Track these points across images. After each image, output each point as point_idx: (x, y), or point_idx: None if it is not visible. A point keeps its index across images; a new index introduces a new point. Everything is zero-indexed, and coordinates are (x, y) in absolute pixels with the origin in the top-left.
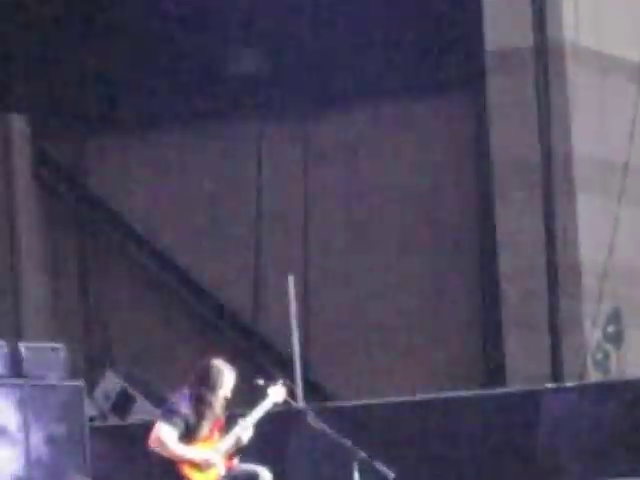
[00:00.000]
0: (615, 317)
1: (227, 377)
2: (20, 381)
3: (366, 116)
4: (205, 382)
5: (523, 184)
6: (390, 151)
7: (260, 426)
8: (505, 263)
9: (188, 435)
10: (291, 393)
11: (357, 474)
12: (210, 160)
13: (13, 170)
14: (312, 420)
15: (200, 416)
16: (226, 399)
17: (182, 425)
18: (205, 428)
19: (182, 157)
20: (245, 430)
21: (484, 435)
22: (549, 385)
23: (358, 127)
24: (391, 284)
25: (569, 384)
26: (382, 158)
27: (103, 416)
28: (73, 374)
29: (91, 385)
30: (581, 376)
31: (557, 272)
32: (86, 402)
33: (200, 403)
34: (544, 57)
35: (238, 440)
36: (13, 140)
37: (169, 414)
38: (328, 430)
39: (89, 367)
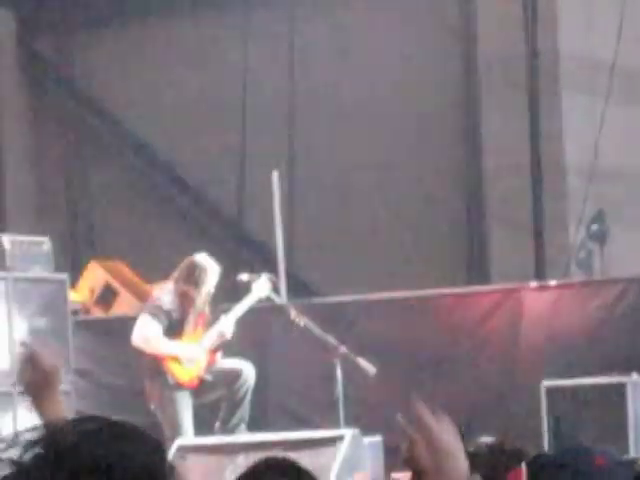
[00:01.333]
0: (599, 217)
1: (211, 273)
2: (3, 274)
3: (357, 5)
4: (189, 278)
5: (508, 83)
6: (377, 43)
7: (243, 321)
8: (489, 162)
9: (171, 330)
10: (275, 288)
11: (339, 370)
12: (196, 52)
13: None
14: (295, 315)
15: (183, 312)
16: (210, 295)
17: (165, 320)
18: (189, 324)
19: (167, 48)
20: (228, 325)
21: (467, 333)
22: (532, 283)
23: (347, 16)
24: (376, 180)
25: (552, 282)
26: (370, 51)
27: (86, 310)
28: (57, 268)
29: (75, 278)
30: (564, 275)
31: (541, 172)
32: (70, 295)
33: (183, 299)
34: None
35: (221, 335)
36: None
37: (153, 309)
38: (311, 325)
39: (73, 260)
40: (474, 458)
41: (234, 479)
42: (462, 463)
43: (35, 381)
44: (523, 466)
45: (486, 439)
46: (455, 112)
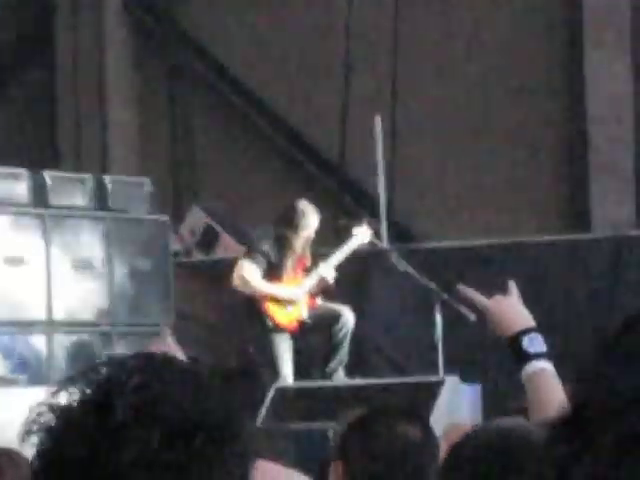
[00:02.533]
0: None
1: (311, 218)
2: (105, 214)
3: None
4: (289, 222)
5: (613, 29)
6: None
7: (344, 266)
8: (593, 109)
9: (270, 273)
10: (376, 234)
11: (439, 315)
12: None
13: (104, 5)
14: (396, 260)
15: (282, 255)
16: (310, 240)
17: (264, 262)
18: (287, 267)
19: None
20: (329, 270)
21: (566, 281)
22: (634, 232)
23: None
24: (476, 123)
25: None
26: (475, 5)
27: (188, 252)
28: (159, 209)
29: (177, 221)
30: None
31: None
32: (171, 237)
33: (283, 242)
34: None
35: (322, 280)
36: None
37: (252, 252)
38: (411, 271)
39: (175, 203)
40: None
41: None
42: (517, 323)
43: None
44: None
45: None
46: (558, 60)
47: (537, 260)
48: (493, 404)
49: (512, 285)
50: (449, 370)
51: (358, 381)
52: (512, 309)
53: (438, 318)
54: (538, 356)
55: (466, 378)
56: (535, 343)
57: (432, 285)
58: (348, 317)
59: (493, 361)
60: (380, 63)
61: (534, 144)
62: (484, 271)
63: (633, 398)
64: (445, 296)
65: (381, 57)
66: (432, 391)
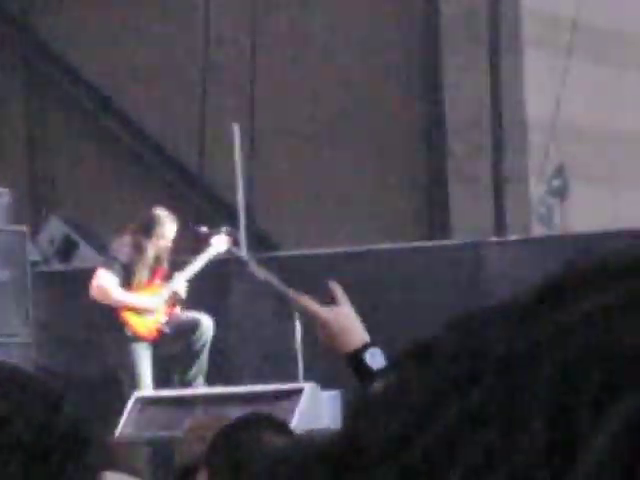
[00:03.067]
0: (560, 172)
1: (168, 227)
2: None
3: None
4: (146, 231)
5: (470, 38)
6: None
7: (204, 274)
8: (451, 118)
9: (128, 282)
10: (235, 242)
11: (299, 322)
12: (160, 3)
13: None
14: (254, 268)
15: (139, 264)
16: (167, 248)
17: (121, 273)
18: (144, 275)
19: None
20: (181, 284)
21: (427, 286)
22: (493, 239)
23: None
24: (333, 131)
25: (513, 237)
26: (333, 3)
27: (46, 261)
28: (17, 219)
29: (35, 230)
30: (525, 230)
31: (502, 127)
32: (29, 247)
33: (140, 251)
34: None
35: (174, 294)
36: None
37: (109, 261)
38: (270, 278)
39: (34, 213)
40: None
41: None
42: (354, 337)
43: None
44: None
45: None
46: (416, 66)
47: (393, 267)
48: None
49: (337, 289)
50: (309, 377)
51: (218, 389)
52: (349, 321)
53: (298, 325)
54: None
55: (326, 385)
56: (376, 359)
57: (291, 292)
58: (207, 325)
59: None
60: (238, 70)
61: (392, 151)
62: (340, 278)
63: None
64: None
65: (239, 64)
66: (292, 398)
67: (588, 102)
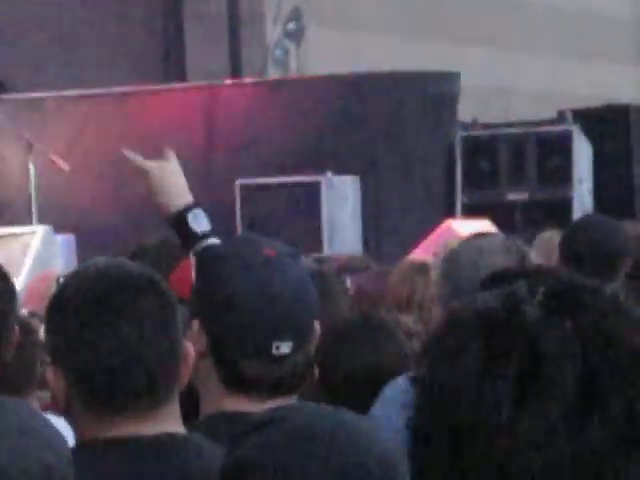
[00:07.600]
0: (296, 15)
1: None
2: None
3: None
4: None
5: None
6: None
7: None
8: None
9: None
10: None
11: (32, 166)
12: None
13: None
14: None
15: None
16: None
17: None
18: None
19: None
20: None
21: (161, 131)
22: (228, 81)
23: None
24: None
25: (248, 80)
26: None
27: None
28: None
29: None
30: (261, 73)
31: None
32: None
33: None
34: None
35: None
36: None
37: None
38: (3, 121)
39: None
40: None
41: None
42: (178, 197)
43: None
44: (191, 256)
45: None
46: None
47: (132, 108)
48: (89, 254)
49: (168, 151)
50: (43, 220)
51: None
52: (174, 178)
53: (31, 168)
54: (205, 235)
55: (59, 230)
56: (200, 221)
57: (26, 134)
58: None
59: (86, 211)
60: None
61: None
62: (78, 122)
63: None
64: (38, 145)
65: None
66: (25, 241)
67: None
